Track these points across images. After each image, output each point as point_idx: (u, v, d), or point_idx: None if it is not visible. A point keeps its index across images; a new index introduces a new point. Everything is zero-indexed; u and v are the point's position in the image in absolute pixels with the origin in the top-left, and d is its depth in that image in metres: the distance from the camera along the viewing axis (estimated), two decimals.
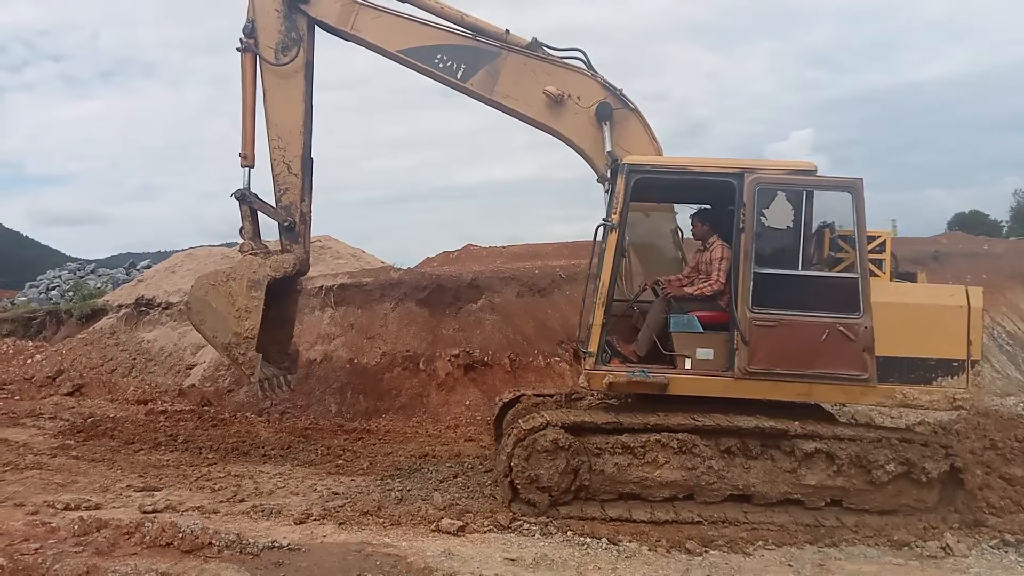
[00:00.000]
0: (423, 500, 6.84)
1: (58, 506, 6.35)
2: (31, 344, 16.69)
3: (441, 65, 7.98)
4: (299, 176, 8.46)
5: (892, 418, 9.72)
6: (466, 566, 5.22)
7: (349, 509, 6.47)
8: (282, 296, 8.76)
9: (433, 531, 5.95)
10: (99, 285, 21.91)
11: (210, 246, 22.09)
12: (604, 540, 5.81)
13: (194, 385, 13.16)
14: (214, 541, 5.36)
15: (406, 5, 8.22)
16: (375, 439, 10.09)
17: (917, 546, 5.87)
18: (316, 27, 8.44)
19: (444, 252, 19.74)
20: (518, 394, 8.47)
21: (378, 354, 12.74)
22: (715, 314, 6.84)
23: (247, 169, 8.56)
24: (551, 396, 8.12)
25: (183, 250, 20.46)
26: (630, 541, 5.83)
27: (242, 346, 7.93)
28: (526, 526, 6.10)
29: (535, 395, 8.29)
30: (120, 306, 15.99)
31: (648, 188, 7.39)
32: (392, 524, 6.12)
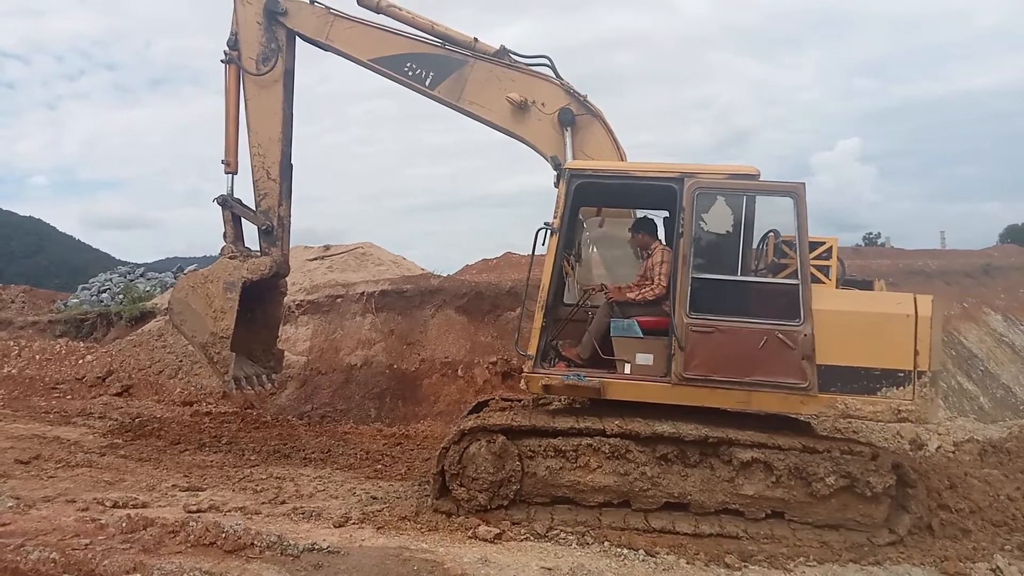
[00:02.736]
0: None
1: (107, 503, 6.50)
2: (82, 345, 17.14)
3: (410, 73, 8.25)
4: (278, 181, 8.87)
5: (940, 435, 9.48)
6: (503, 573, 5.23)
7: (387, 514, 6.51)
8: (266, 298, 9.24)
9: (470, 538, 5.96)
10: (148, 288, 22.44)
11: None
12: (642, 552, 5.76)
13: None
14: (256, 542, 5.45)
15: (380, 16, 8.52)
16: (413, 444, 10.16)
17: (966, 567, 5.71)
18: (296, 38, 8.85)
19: (483, 260, 19.87)
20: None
21: (417, 360, 12.85)
22: (657, 319, 6.77)
23: (230, 175, 9.05)
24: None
25: None
26: (668, 553, 5.77)
27: (217, 345, 8.31)
28: (563, 535, 6.08)
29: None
30: (167, 309, 16.37)
31: (596, 194, 7.46)
32: (429, 530, 6.15)
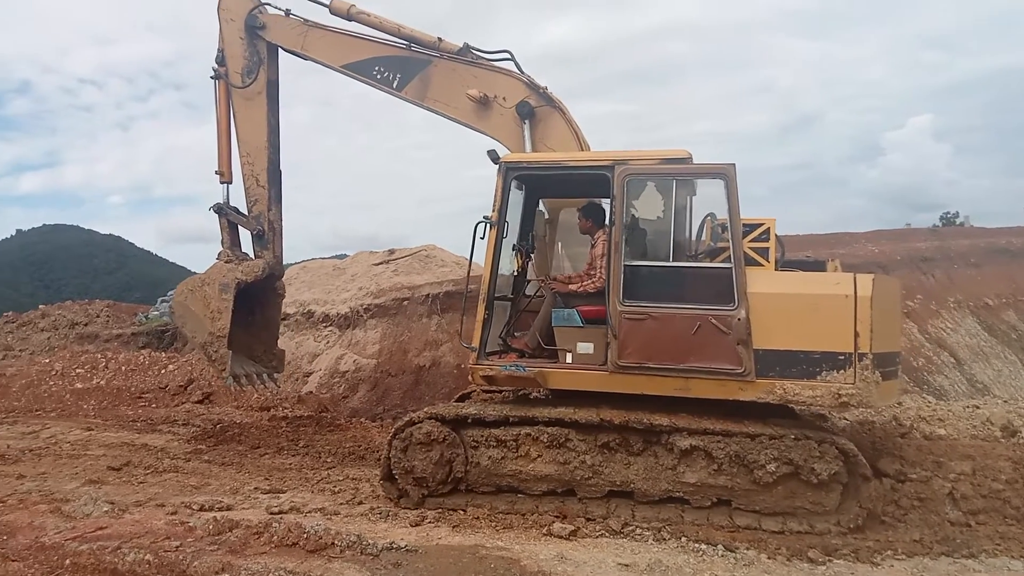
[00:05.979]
0: (535, 504, 6.87)
1: (194, 507, 6.74)
2: (164, 355, 17.80)
3: (379, 76, 8.49)
4: (266, 188, 9.33)
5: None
6: (580, 570, 5.21)
7: (462, 512, 6.57)
8: (264, 300, 9.71)
9: (545, 535, 5.97)
10: None
11: (322, 258, 23.01)
12: (720, 547, 5.66)
13: (311, 392, 13.75)
14: (336, 541, 5.59)
15: (352, 24, 8.78)
16: None
17: None
18: (279, 50, 9.25)
19: None
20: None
21: None
22: (599, 308, 6.69)
23: (225, 185, 9.58)
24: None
25: (297, 263, 21.38)
26: (747, 548, 5.66)
27: (215, 344, 8.77)
28: (639, 531, 6.03)
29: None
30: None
31: (539, 185, 7.61)
32: (504, 528, 6.18)
